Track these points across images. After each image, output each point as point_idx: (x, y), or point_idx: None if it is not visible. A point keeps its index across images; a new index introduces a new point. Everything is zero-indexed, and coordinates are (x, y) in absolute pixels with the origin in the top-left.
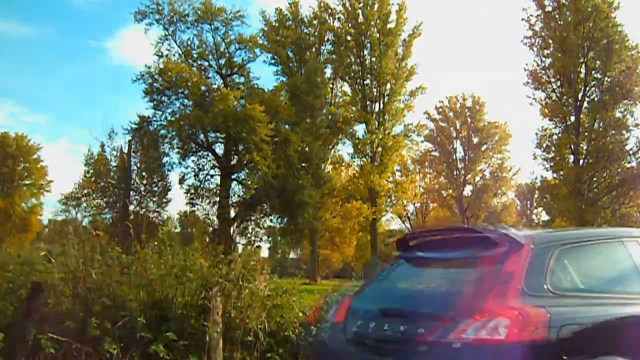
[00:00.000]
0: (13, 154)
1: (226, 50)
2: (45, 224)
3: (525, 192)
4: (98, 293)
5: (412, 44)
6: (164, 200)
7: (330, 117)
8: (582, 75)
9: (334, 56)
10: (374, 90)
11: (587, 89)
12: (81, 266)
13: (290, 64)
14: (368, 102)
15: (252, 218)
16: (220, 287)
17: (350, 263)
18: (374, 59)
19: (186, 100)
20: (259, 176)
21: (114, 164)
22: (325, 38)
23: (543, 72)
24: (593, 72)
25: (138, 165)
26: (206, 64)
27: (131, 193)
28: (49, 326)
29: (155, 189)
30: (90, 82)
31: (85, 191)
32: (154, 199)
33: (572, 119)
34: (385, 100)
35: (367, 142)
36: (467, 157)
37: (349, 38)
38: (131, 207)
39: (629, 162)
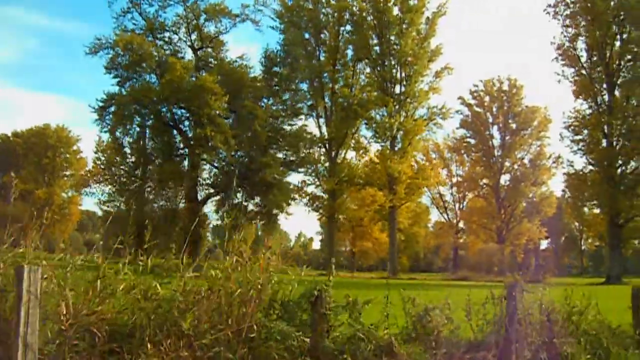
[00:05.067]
0: (53, 145)
1: (196, 22)
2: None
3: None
4: None
5: (436, 23)
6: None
7: (350, 100)
8: (615, 48)
9: (354, 37)
10: (393, 71)
11: (622, 63)
12: None
13: (309, 47)
14: (388, 84)
15: (232, 201)
16: None
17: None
18: (392, 38)
19: (148, 76)
20: (219, 155)
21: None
22: (345, 18)
23: (571, 45)
24: (629, 44)
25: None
26: (176, 37)
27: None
28: None
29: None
30: None
31: (95, 178)
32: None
33: (605, 97)
34: (407, 82)
35: (386, 125)
36: (504, 144)
37: (369, 19)
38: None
39: None
